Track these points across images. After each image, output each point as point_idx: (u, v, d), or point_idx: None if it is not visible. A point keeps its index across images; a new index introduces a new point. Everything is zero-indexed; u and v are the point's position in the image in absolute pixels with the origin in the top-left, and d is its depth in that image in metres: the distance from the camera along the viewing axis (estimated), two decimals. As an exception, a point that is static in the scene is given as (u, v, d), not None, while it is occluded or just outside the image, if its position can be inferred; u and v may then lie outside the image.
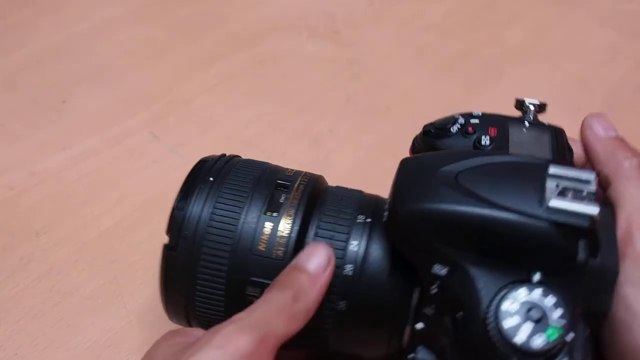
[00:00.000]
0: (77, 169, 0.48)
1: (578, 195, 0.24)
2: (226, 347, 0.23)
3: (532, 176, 0.25)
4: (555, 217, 0.24)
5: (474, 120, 0.32)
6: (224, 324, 0.25)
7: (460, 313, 0.25)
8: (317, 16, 0.67)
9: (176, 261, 0.29)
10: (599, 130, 0.31)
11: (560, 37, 0.66)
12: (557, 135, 0.31)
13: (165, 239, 0.36)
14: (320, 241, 0.29)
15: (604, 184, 0.29)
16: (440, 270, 0.26)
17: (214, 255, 0.29)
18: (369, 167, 0.49)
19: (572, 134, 0.32)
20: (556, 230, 0.23)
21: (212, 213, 0.29)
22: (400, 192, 0.27)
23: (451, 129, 0.32)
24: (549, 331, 0.23)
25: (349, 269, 0.29)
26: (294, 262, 0.28)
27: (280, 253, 0.29)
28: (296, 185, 0.31)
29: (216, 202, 0.29)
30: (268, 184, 0.31)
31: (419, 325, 0.27)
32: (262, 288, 0.28)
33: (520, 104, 0.34)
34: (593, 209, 0.24)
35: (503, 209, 0.24)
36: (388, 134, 0.53)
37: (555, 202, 0.24)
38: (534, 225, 0.24)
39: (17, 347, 0.37)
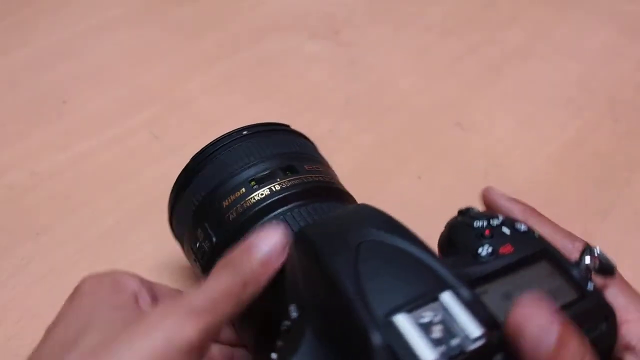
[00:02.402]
0: (77, 169, 0.48)
1: (440, 338, 0.20)
2: (172, 337, 0.22)
3: (424, 287, 0.21)
4: (385, 333, 0.20)
5: (505, 229, 0.27)
6: (172, 305, 0.24)
7: None
8: (317, 16, 0.67)
9: (180, 177, 0.34)
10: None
11: (560, 37, 0.65)
12: (598, 316, 0.24)
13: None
14: (280, 224, 0.28)
15: None
16: (293, 312, 0.24)
17: (197, 188, 0.32)
18: (369, 167, 0.49)
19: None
20: (379, 346, 0.20)
21: (218, 156, 0.32)
22: (325, 219, 0.26)
23: (474, 224, 0.28)
24: None
25: None
26: (251, 238, 0.27)
27: (231, 217, 0.30)
28: (298, 177, 0.31)
29: (229, 150, 0.32)
30: (281, 162, 0.32)
31: (273, 356, 0.25)
32: (205, 235, 0.31)
33: (585, 250, 0.26)
34: (431, 358, 0.19)
35: (358, 294, 0.21)
36: (388, 134, 0.53)
37: (401, 321, 0.20)
38: (365, 325, 0.20)
39: (18, 348, 0.37)
